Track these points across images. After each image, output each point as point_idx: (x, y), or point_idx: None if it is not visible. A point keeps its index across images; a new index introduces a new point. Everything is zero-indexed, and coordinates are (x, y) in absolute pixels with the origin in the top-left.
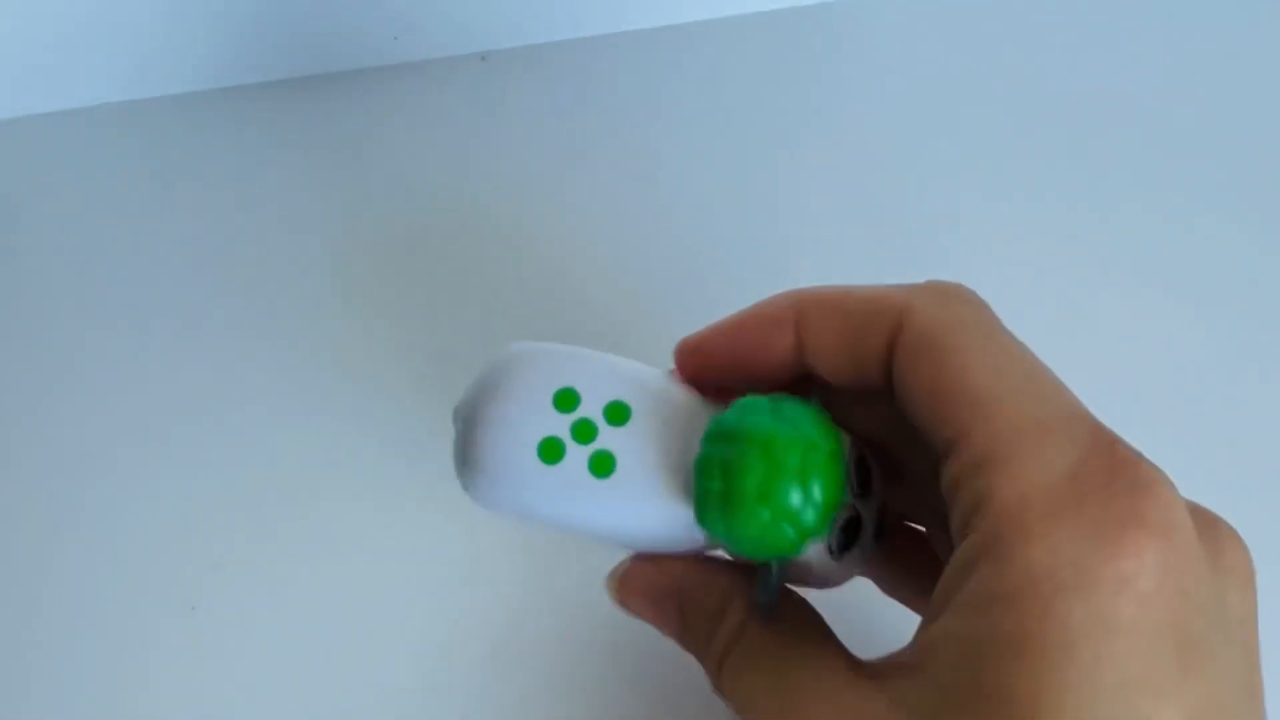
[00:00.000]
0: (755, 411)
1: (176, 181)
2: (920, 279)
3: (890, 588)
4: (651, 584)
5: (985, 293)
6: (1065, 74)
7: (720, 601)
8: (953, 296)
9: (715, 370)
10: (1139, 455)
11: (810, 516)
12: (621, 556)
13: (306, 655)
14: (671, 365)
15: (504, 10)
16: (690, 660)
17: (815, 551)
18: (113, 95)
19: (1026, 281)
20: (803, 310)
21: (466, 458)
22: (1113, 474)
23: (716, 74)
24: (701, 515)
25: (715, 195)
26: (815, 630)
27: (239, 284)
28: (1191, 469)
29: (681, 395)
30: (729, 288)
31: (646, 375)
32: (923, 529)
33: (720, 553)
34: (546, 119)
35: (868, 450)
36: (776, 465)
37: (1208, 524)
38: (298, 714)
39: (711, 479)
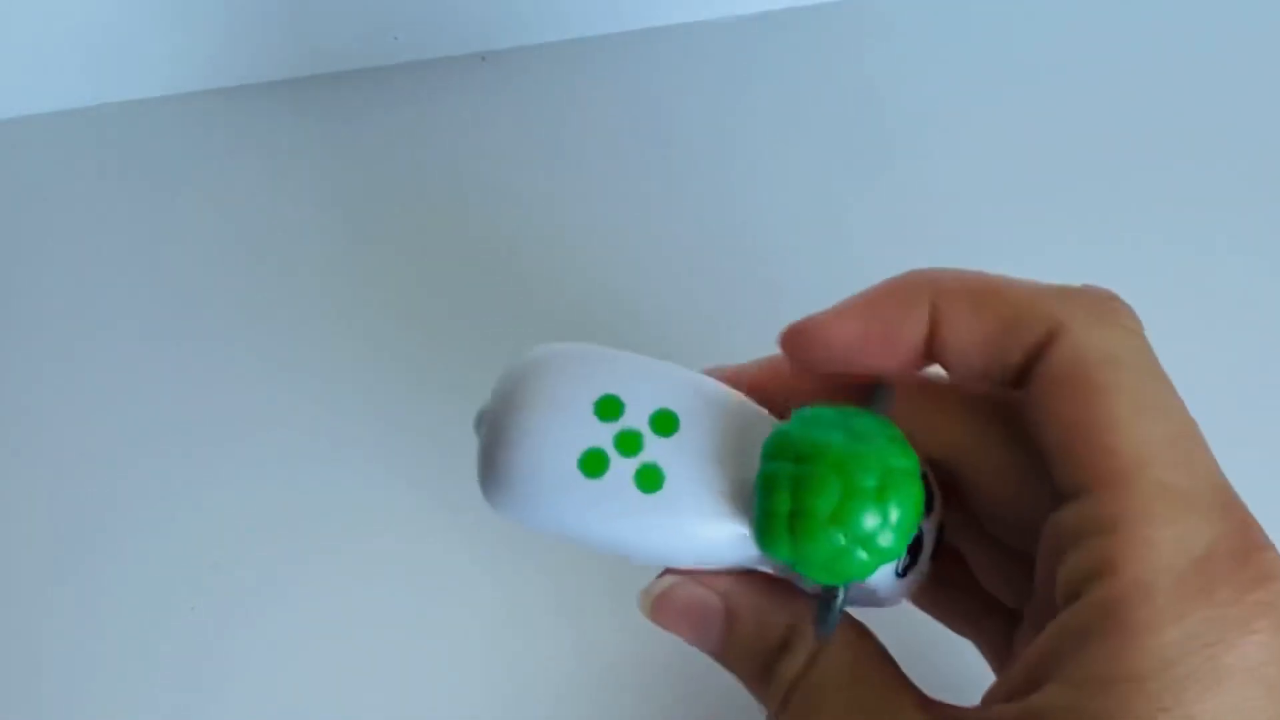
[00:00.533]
0: (824, 425)
1: (176, 181)
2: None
3: (916, 597)
4: (696, 602)
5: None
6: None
7: (784, 632)
8: (1111, 317)
9: (830, 358)
10: (1267, 540)
11: (888, 541)
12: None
13: (306, 655)
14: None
15: (504, 10)
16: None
17: (882, 575)
18: (113, 95)
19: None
20: (942, 297)
21: (498, 470)
22: (1245, 560)
23: (717, 74)
24: (764, 536)
25: (716, 195)
26: (885, 665)
27: (238, 284)
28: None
29: (734, 403)
30: (732, 289)
31: (693, 380)
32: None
33: (764, 566)
34: (546, 119)
35: (929, 467)
36: (853, 486)
37: None
38: (297, 714)
39: (778, 499)
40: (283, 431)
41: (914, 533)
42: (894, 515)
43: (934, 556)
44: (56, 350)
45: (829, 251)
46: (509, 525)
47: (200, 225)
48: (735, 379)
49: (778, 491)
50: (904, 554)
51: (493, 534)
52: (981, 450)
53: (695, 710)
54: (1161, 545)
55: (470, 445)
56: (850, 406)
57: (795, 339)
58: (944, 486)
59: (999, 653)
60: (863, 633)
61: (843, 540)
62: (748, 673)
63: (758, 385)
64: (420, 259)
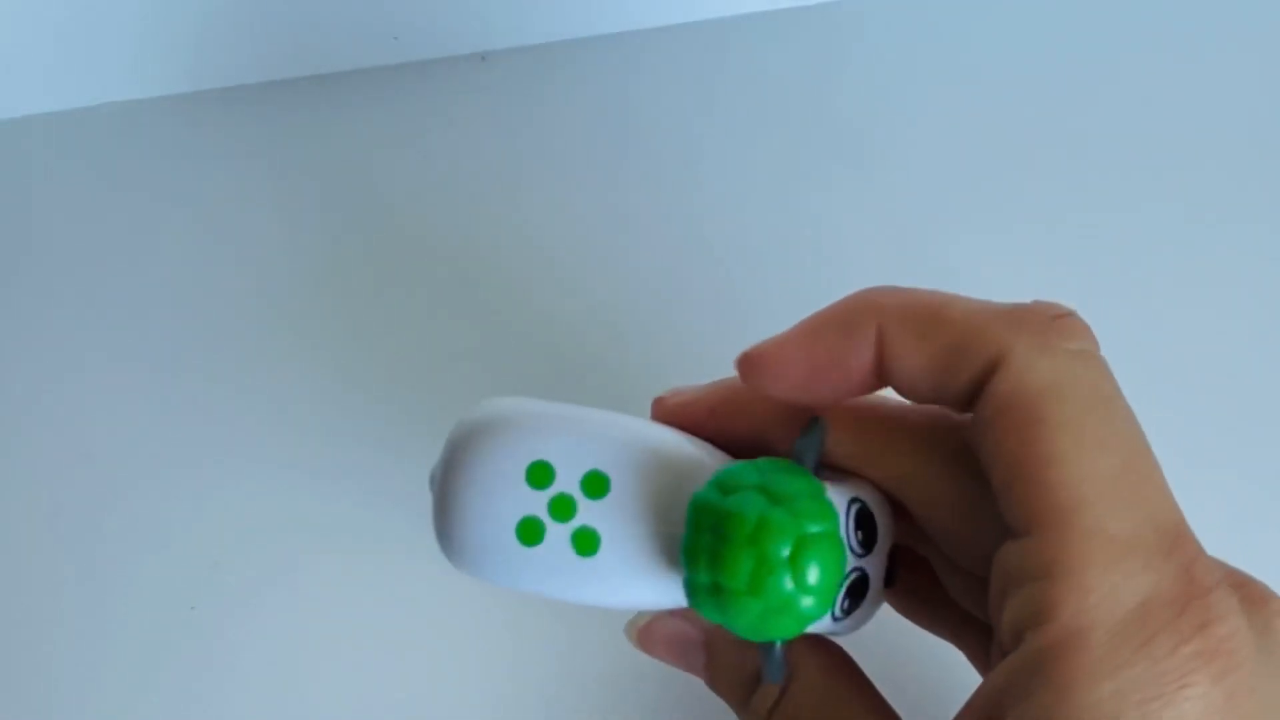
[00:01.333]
0: (742, 489)
1: (176, 181)
2: (935, 281)
3: (897, 605)
4: (676, 634)
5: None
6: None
7: (755, 664)
8: (1060, 341)
9: (784, 388)
10: (1212, 580)
11: (808, 605)
12: None
13: (306, 655)
14: (660, 392)
15: (504, 10)
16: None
17: (818, 625)
18: (113, 95)
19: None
20: (886, 321)
21: (444, 536)
22: (1184, 607)
23: (717, 74)
24: (692, 603)
25: (716, 195)
26: (859, 690)
27: (238, 284)
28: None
29: (667, 454)
30: (732, 291)
31: (625, 435)
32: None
33: None
34: (546, 119)
35: (874, 497)
36: (765, 557)
37: (1252, 601)
38: (297, 713)
39: (698, 571)
40: (283, 432)
41: (838, 589)
42: (811, 578)
43: (889, 584)
44: (54, 350)
45: (834, 252)
46: None
47: (200, 225)
48: (695, 404)
49: (697, 564)
50: (832, 606)
51: None
52: (930, 480)
53: (694, 713)
54: (1098, 593)
55: None
56: (773, 460)
57: (748, 368)
58: (899, 512)
59: (981, 660)
60: (836, 661)
61: (760, 609)
62: (732, 699)
63: (719, 410)
64: (420, 259)
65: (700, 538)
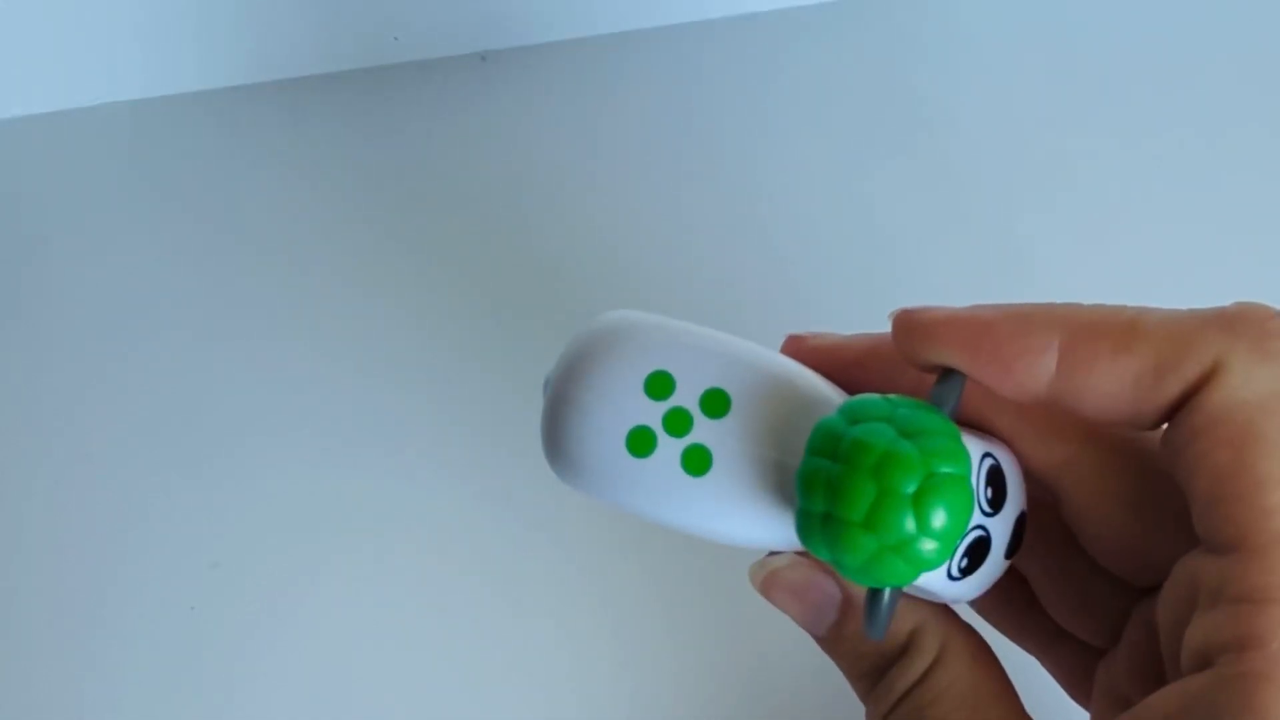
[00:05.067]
0: (871, 420)
1: (177, 181)
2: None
3: (979, 607)
4: (811, 585)
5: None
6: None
7: (904, 639)
8: (1276, 347)
9: (940, 359)
10: None
11: (926, 549)
12: None
13: (306, 654)
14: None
15: (504, 10)
16: None
17: (933, 579)
18: (113, 95)
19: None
20: (1072, 335)
21: (553, 441)
22: None
23: (717, 74)
24: (802, 534)
25: (716, 196)
26: (1006, 692)
27: (238, 284)
28: None
29: (792, 383)
30: (732, 291)
31: (751, 357)
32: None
33: None
34: (546, 119)
35: (1007, 458)
36: (888, 491)
37: None
38: (297, 713)
39: (813, 499)
40: (284, 432)
41: (960, 538)
42: (936, 521)
43: (1011, 553)
44: (58, 349)
45: (819, 253)
46: (507, 528)
47: (201, 225)
48: (840, 350)
49: (814, 491)
50: (950, 558)
51: (493, 536)
52: (1093, 471)
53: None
54: None
55: (471, 449)
56: (907, 398)
57: (907, 329)
58: (1033, 506)
59: (1073, 677)
60: (984, 654)
61: (875, 547)
62: (854, 670)
63: (865, 362)
64: (420, 259)
65: (820, 463)
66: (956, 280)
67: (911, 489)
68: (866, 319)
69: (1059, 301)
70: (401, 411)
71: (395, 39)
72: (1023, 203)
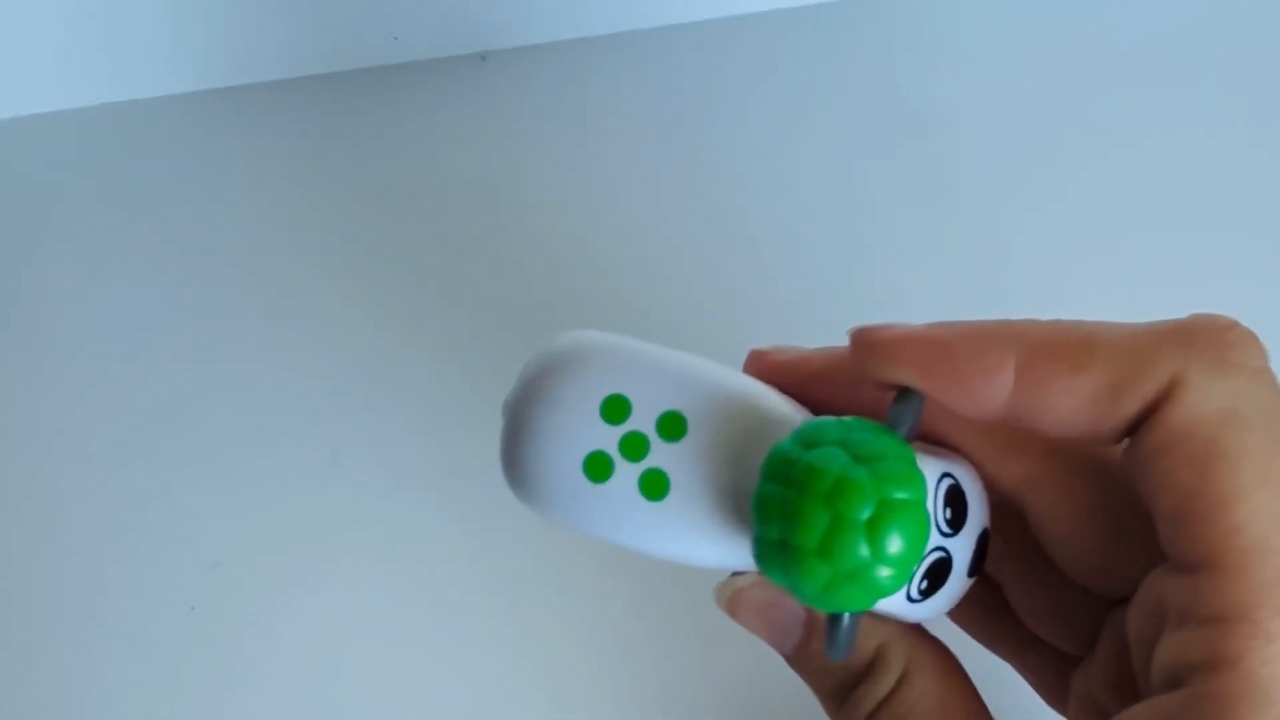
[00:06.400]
0: (825, 444)
1: (176, 182)
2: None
3: (954, 616)
4: (774, 605)
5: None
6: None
7: (870, 655)
8: (1233, 358)
9: (898, 378)
10: None
11: (882, 576)
12: None
13: (306, 654)
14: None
15: (504, 10)
16: None
17: (892, 602)
18: (113, 95)
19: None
20: (1029, 353)
21: (511, 464)
22: None
23: (717, 74)
24: (759, 561)
25: (716, 196)
26: (975, 707)
27: (238, 283)
28: None
29: (749, 403)
30: (731, 291)
31: (709, 377)
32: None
33: None
34: (546, 119)
35: (967, 476)
36: (841, 518)
37: None
38: (297, 713)
39: (768, 526)
40: (285, 432)
41: (917, 563)
42: (890, 547)
43: (975, 571)
44: (56, 351)
45: (816, 250)
46: (507, 529)
47: (200, 225)
48: (801, 365)
49: (768, 518)
50: (909, 582)
51: (492, 537)
52: (1060, 488)
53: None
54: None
55: (472, 450)
56: (863, 420)
57: (864, 347)
58: (1003, 515)
59: (1048, 684)
60: (952, 668)
61: (829, 575)
62: (822, 688)
63: (826, 376)
64: (420, 259)
65: (774, 489)
66: (947, 284)
67: (865, 515)
68: (861, 320)
69: (1021, 318)
70: (403, 413)
71: (395, 39)
72: (1013, 207)
